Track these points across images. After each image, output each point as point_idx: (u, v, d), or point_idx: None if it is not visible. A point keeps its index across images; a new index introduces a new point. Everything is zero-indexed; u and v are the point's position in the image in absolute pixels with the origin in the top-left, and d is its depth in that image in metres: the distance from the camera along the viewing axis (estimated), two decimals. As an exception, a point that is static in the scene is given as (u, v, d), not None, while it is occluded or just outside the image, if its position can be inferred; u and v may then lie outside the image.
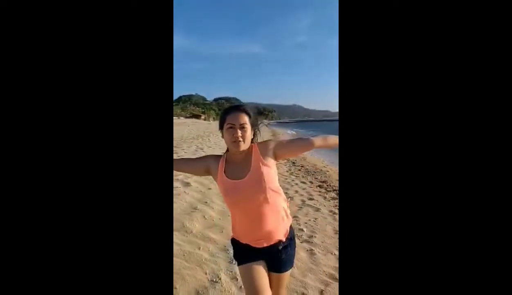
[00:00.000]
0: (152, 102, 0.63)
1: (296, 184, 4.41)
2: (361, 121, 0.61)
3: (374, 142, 0.60)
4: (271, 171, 0.99)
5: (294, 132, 26.34)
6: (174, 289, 1.64)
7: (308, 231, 2.54)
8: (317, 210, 3.13)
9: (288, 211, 1.08)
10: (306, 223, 2.74)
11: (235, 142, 0.94)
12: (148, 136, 0.63)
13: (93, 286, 0.58)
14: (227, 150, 1.04)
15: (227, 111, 0.99)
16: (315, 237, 2.42)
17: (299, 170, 5.59)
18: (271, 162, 1.00)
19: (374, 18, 0.60)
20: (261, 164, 0.97)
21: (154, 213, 0.62)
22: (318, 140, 1.03)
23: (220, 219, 2.75)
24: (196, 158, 1.09)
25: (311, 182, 4.55)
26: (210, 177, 1.08)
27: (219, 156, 1.06)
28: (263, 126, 1.14)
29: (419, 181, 0.57)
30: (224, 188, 0.99)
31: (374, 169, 0.59)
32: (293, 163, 6.35)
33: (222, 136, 1.00)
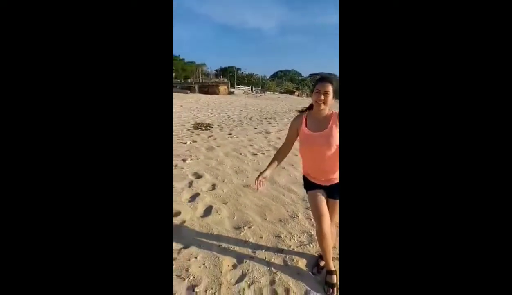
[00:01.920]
0: (152, 98, 0.63)
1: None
2: (361, 120, 0.64)
3: (373, 138, 0.63)
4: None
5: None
6: (263, 215, 2.26)
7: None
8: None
9: None
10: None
11: (318, 103, 1.36)
12: (148, 133, 0.63)
13: (91, 283, 0.57)
14: (310, 108, 1.46)
15: (318, 80, 1.41)
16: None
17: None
18: None
19: (374, 17, 0.62)
20: (334, 126, 1.37)
21: (154, 211, 0.62)
22: None
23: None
24: (287, 136, 1.55)
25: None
26: (296, 146, 1.54)
27: (300, 115, 1.50)
28: None
29: (417, 173, 0.59)
30: (302, 137, 1.45)
31: (373, 153, 0.63)
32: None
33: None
